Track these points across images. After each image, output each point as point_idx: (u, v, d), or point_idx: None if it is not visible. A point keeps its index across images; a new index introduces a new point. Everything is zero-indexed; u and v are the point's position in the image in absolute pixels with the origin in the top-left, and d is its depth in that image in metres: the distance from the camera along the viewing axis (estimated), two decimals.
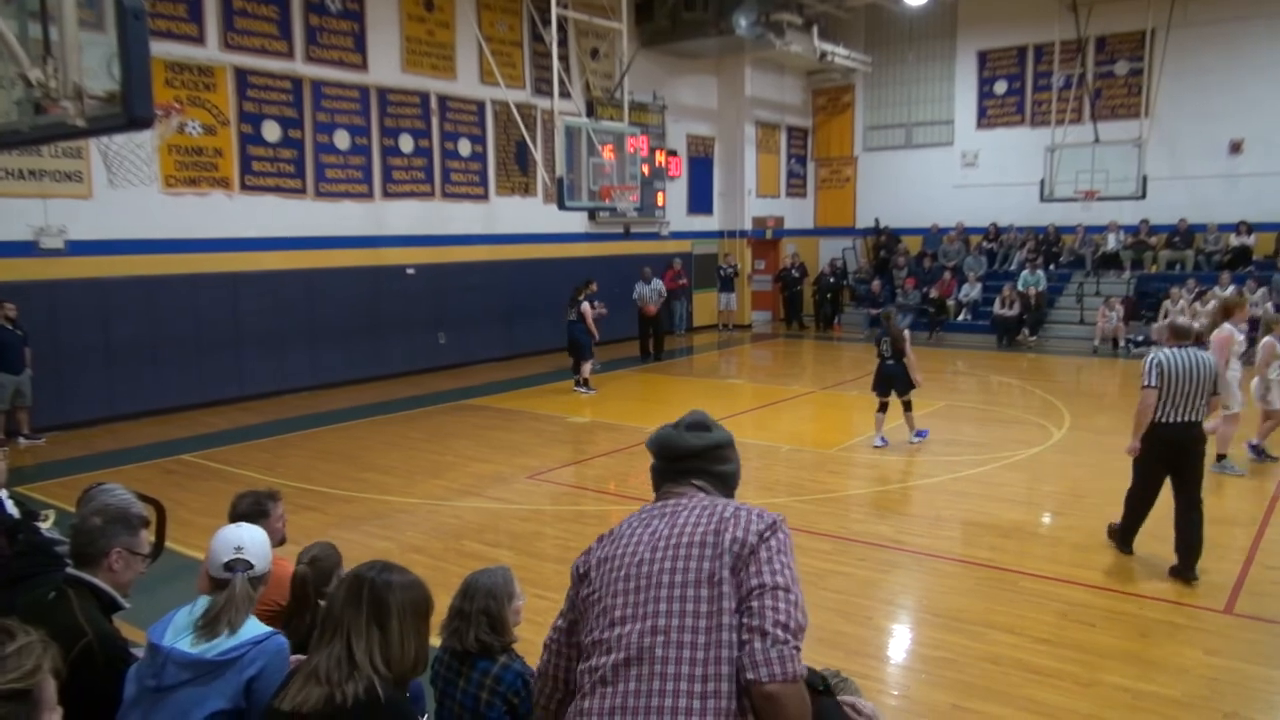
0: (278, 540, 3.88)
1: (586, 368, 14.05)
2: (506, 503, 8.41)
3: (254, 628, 2.76)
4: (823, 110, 24.14)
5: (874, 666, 5.22)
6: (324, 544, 3.63)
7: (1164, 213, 19.26)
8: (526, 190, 17.34)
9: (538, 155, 16.41)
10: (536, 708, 2.30)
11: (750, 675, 1.87)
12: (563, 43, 16.85)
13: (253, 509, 3.88)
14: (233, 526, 3.06)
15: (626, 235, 19.67)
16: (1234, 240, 18.63)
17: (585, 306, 13.93)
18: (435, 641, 2.91)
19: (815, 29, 20.05)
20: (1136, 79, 19.78)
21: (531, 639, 3.28)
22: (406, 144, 15.16)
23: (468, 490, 8.80)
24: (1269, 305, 16.30)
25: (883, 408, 10.35)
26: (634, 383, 15.23)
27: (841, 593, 6.20)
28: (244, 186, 13.11)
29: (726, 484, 2.34)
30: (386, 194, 14.95)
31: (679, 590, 1.98)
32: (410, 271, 15.32)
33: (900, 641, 5.66)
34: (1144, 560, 6.79)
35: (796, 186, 24.06)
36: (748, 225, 22.25)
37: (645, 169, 18.40)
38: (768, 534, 2.07)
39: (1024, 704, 4.67)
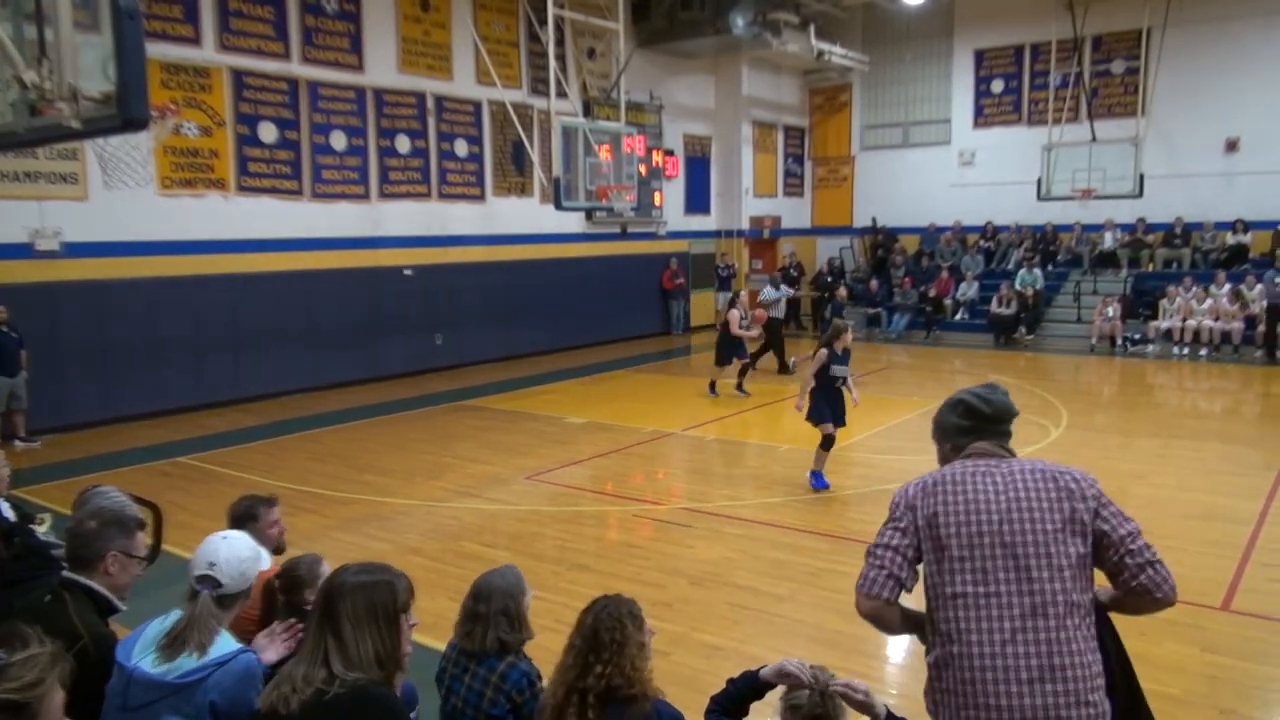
0: (274, 547, 3.86)
1: (722, 372, 13.73)
2: (504, 504, 8.40)
3: (222, 647, 2.69)
4: (820, 110, 24.15)
5: (872, 665, 5.22)
6: (309, 555, 3.60)
7: (1161, 211, 19.28)
8: (523, 190, 17.33)
9: (534, 155, 16.41)
10: (867, 595, 2.51)
11: (1159, 595, 2.38)
12: (559, 43, 16.85)
13: (244, 513, 3.86)
14: (216, 537, 2.97)
15: (623, 235, 19.67)
16: (1230, 239, 18.65)
17: (732, 313, 13.71)
18: (424, 639, 2.91)
19: (812, 28, 20.05)
20: (1133, 78, 19.79)
21: (538, 642, 3.30)
22: (403, 145, 15.15)
23: (466, 491, 8.79)
24: (1264, 303, 16.34)
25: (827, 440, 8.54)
26: (630, 383, 15.22)
27: (840, 592, 6.19)
28: (240, 188, 13.09)
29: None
30: (383, 195, 14.94)
31: (1045, 548, 2.33)
32: (408, 273, 15.32)
33: (899, 640, 5.65)
34: None
35: (794, 186, 24.07)
36: (745, 225, 22.26)
37: (642, 169, 18.40)
38: (1099, 493, 2.43)
39: None
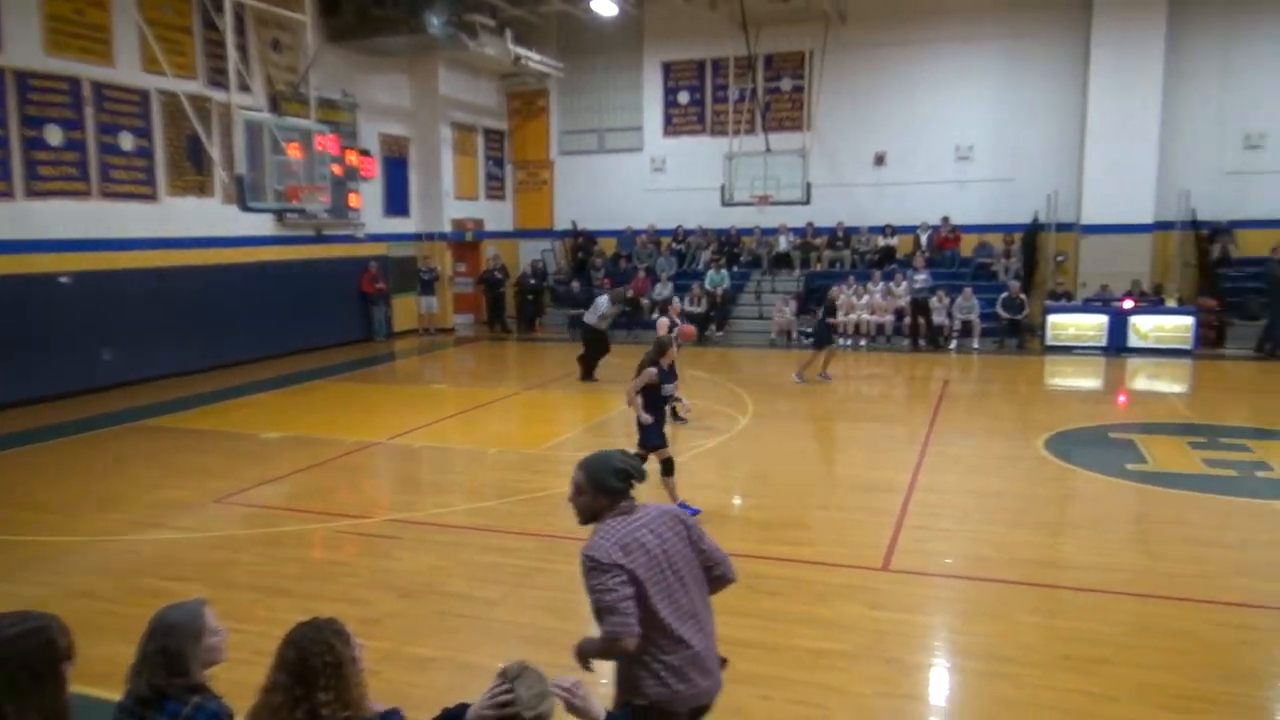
0: None
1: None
2: (191, 531, 7.74)
3: None
4: (518, 113, 24.40)
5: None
6: None
7: (826, 216, 21.44)
8: (203, 190, 15.97)
9: (214, 152, 15.20)
10: (626, 625, 3.04)
11: (731, 576, 3.38)
12: (240, 32, 15.68)
13: None
14: None
15: (319, 238, 18.74)
16: (881, 241, 21.14)
17: (661, 320, 13.05)
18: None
19: (509, 33, 20.23)
20: (799, 95, 21.85)
21: (236, 678, 3.00)
22: (54, 136, 13.43)
23: (146, 521, 8.00)
24: (909, 298, 18.68)
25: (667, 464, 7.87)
26: (331, 393, 14.56)
27: (550, 590, 6.34)
28: None
29: None
30: (31, 193, 13.17)
31: (689, 567, 3.25)
32: (64, 280, 13.61)
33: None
34: (820, 530, 7.55)
35: (495, 189, 24.14)
36: (447, 227, 22.01)
37: (336, 169, 17.63)
38: (693, 522, 3.38)
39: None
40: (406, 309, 21.28)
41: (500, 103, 24.11)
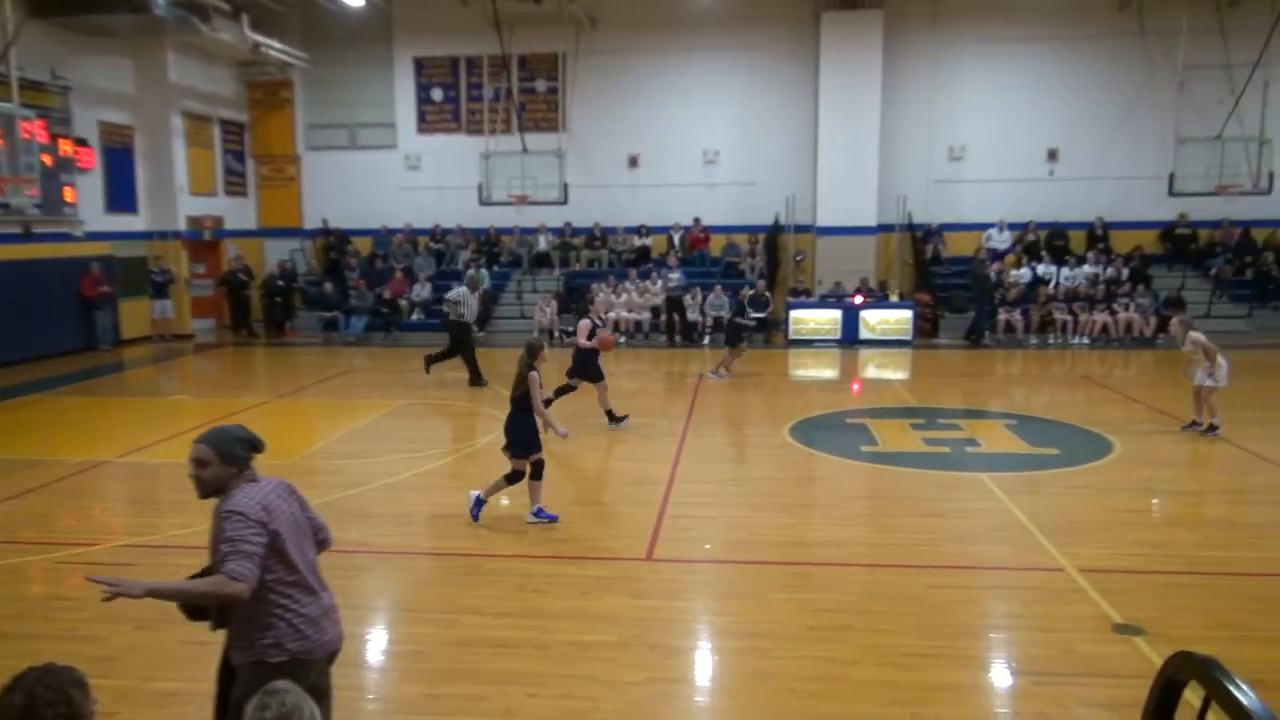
0: None
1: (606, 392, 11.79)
2: None
3: None
4: (260, 104, 22.98)
5: (347, 675, 5.17)
6: None
7: (583, 216, 21.83)
8: None
9: None
10: (253, 574, 3.20)
11: (332, 540, 3.81)
12: None
13: None
14: None
15: (27, 236, 16.74)
16: (637, 241, 21.81)
17: (582, 323, 11.77)
18: None
19: (245, 18, 19.01)
20: (554, 96, 22.09)
21: None
22: None
23: None
24: (664, 296, 19.39)
25: (516, 475, 7.70)
26: (50, 409, 13.09)
27: None
28: None
29: None
30: None
31: (306, 529, 3.55)
32: None
33: (373, 645, 5.71)
34: (585, 525, 7.70)
35: (236, 184, 22.61)
36: (182, 225, 20.37)
37: (46, 159, 15.93)
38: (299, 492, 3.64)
39: (490, 678, 5.03)
40: (137, 314, 19.49)
41: (240, 92, 22.62)
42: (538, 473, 7.65)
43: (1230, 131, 19.30)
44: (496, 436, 10.97)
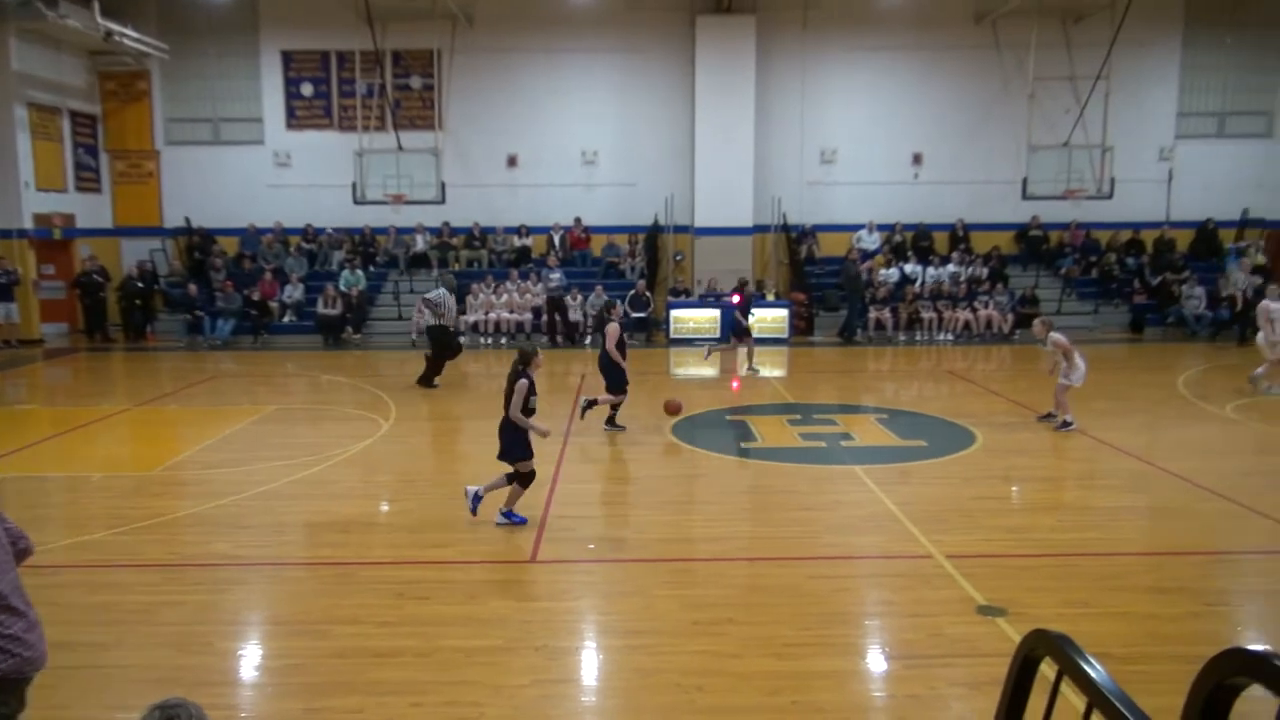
0: None
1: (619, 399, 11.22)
2: None
3: None
4: (114, 96, 21.74)
5: (221, 694, 4.99)
6: None
7: (461, 216, 21.54)
8: None
9: None
10: None
11: (32, 548, 3.64)
12: None
13: None
14: None
15: None
16: (517, 241, 21.65)
17: (611, 328, 11.06)
18: None
19: (96, 4, 17.94)
20: (430, 94, 21.69)
21: None
22: None
23: None
24: (545, 296, 19.32)
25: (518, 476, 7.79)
26: None
27: (175, 624, 5.79)
28: None
29: None
30: None
31: (4, 544, 3.41)
32: None
33: (247, 660, 5.50)
34: (468, 529, 7.60)
35: (88, 180, 21.32)
36: (28, 224, 19.08)
37: None
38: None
39: (370, 689, 4.92)
40: None
41: (92, 83, 21.35)
42: (525, 482, 7.65)
43: (1076, 139, 20.56)
44: (374, 441, 10.74)
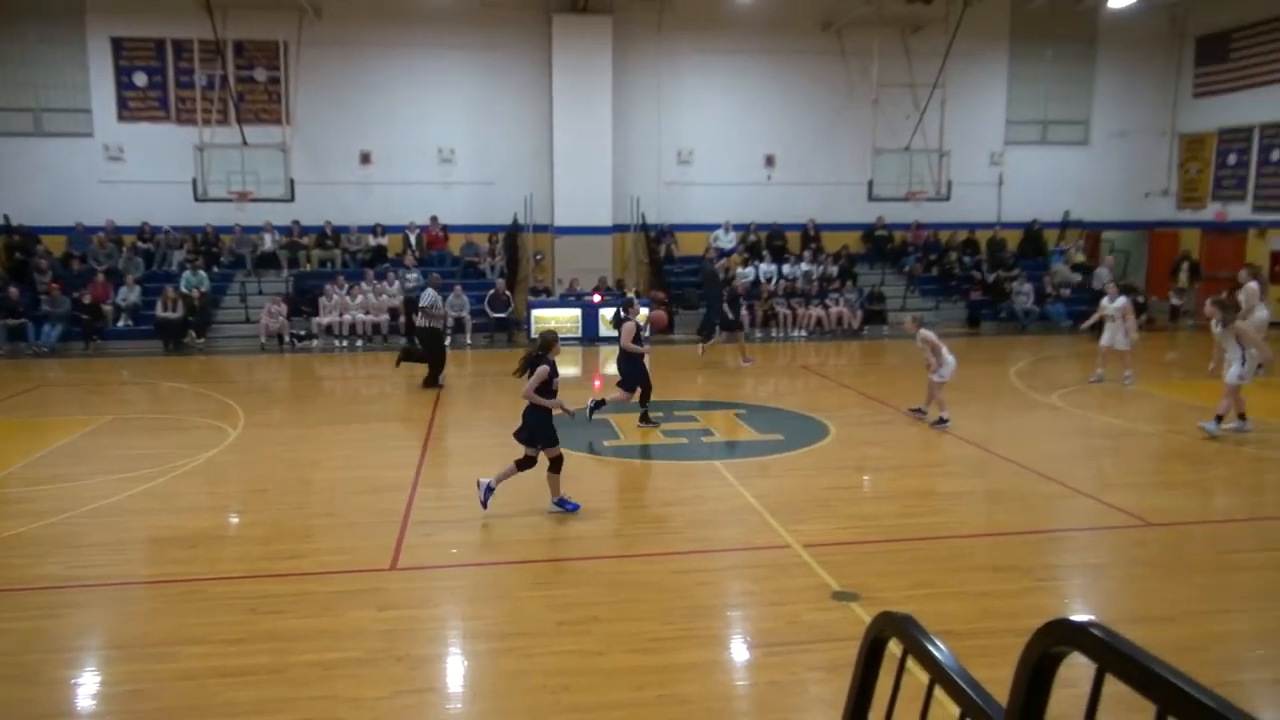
0: None
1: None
2: None
3: None
4: None
5: None
6: None
7: (312, 214, 20.79)
8: None
9: None
10: None
11: None
12: None
13: None
14: None
15: None
16: (372, 241, 21.07)
17: (627, 326, 11.32)
18: None
19: None
20: (276, 87, 20.83)
21: None
22: None
23: None
24: (400, 298, 18.88)
25: (527, 462, 7.89)
26: None
27: (6, 653, 5.37)
28: None
29: None
30: None
31: None
32: None
33: (84, 689, 5.15)
34: (324, 539, 7.36)
35: None
36: None
37: None
38: None
39: (222, 710, 4.69)
40: None
41: None
42: (556, 467, 7.81)
43: (916, 144, 21.65)
44: (220, 450, 10.24)
